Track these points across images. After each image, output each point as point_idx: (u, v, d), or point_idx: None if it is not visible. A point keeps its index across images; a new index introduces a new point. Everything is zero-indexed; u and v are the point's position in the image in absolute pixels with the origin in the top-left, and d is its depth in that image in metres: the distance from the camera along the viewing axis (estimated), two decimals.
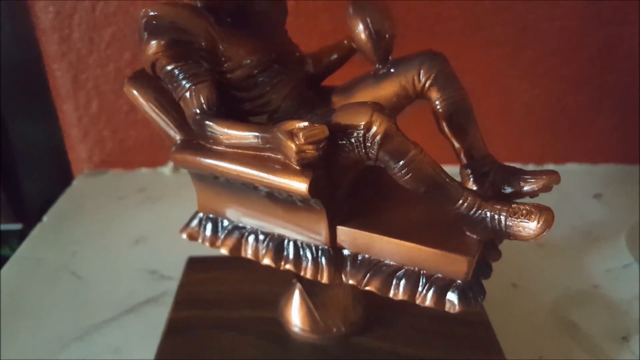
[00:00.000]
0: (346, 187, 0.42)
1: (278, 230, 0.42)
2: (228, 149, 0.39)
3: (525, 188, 0.39)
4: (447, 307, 0.38)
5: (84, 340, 0.54)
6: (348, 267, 0.41)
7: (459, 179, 0.39)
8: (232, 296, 0.55)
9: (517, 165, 0.40)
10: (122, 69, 0.78)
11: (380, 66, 0.43)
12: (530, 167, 0.85)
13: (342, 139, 0.35)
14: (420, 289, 0.39)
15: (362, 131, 0.34)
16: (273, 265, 0.42)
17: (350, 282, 0.41)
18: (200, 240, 0.45)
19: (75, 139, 0.84)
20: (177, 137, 0.42)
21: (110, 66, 0.78)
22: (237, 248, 0.44)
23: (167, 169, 0.87)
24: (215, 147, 0.39)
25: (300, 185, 0.36)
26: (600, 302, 0.59)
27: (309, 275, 0.41)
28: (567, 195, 0.78)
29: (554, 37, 0.77)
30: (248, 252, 0.43)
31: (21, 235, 0.75)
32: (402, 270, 0.39)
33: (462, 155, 0.42)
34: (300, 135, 0.33)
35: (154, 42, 0.38)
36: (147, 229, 0.72)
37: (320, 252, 0.41)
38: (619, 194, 0.78)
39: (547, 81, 0.80)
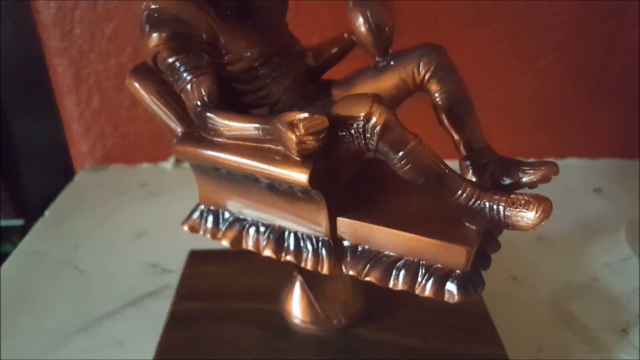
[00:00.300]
0: (347, 178, 0.42)
1: (279, 221, 0.43)
2: (229, 141, 0.39)
3: (524, 179, 0.40)
4: (447, 297, 0.38)
5: (87, 332, 0.55)
6: (348, 258, 0.41)
7: (458, 172, 0.39)
8: (233, 289, 0.56)
9: None
10: (124, 64, 0.79)
11: (380, 59, 0.43)
12: (531, 161, 0.85)
13: (342, 130, 0.35)
14: (419, 279, 0.39)
15: (361, 122, 0.34)
16: (274, 256, 0.43)
17: (351, 272, 0.41)
18: (201, 232, 0.46)
19: (77, 134, 0.85)
20: (179, 129, 0.42)
21: (112, 61, 0.79)
22: (238, 240, 0.44)
23: (168, 164, 0.87)
24: (216, 139, 0.39)
25: (300, 176, 0.36)
26: (600, 295, 0.59)
27: (309, 266, 0.41)
28: (568, 190, 0.78)
29: (554, 32, 0.77)
30: (249, 244, 0.44)
31: (23, 232, 0.75)
32: (401, 261, 0.40)
33: (461, 147, 0.42)
34: (301, 126, 0.33)
35: (155, 35, 0.38)
36: (149, 224, 0.72)
37: (320, 243, 0.41)
38: (619, 189, 0.79)
39: (547, 76, 0.80)
